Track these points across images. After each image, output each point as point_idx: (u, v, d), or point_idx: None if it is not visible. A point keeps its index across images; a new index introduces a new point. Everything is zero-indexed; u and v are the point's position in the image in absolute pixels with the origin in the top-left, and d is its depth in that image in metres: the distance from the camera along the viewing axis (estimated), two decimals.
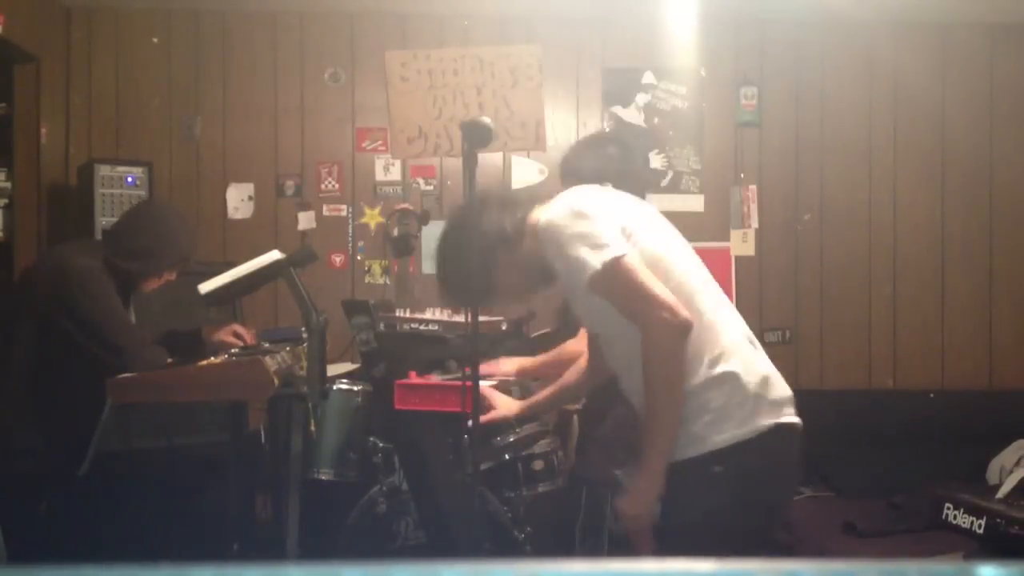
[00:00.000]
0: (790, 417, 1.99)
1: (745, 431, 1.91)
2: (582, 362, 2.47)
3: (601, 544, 3.02)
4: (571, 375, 2.50)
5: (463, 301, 2.31)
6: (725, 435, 1.91)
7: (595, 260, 1.89)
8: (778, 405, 1.98)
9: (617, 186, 2.83)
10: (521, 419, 2.99)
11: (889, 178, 5.03)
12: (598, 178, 2.84)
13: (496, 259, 2.09)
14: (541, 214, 2.05)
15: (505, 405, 2.62)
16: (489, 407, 2.60)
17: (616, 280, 1.90)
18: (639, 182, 2.96)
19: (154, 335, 3.11)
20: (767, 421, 1.93)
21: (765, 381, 1.98)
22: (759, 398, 1.95)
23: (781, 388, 2.01)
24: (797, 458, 2.03)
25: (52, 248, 3.16)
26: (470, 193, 2.03)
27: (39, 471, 2.89)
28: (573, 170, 2.90)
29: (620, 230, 1.96)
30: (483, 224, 2.07)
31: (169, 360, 2.93)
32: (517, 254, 2.10)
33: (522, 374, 2.87)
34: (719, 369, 1.94)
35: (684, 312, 1.88)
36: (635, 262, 1.91)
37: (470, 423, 2.25)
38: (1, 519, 2.91)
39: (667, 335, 1.87)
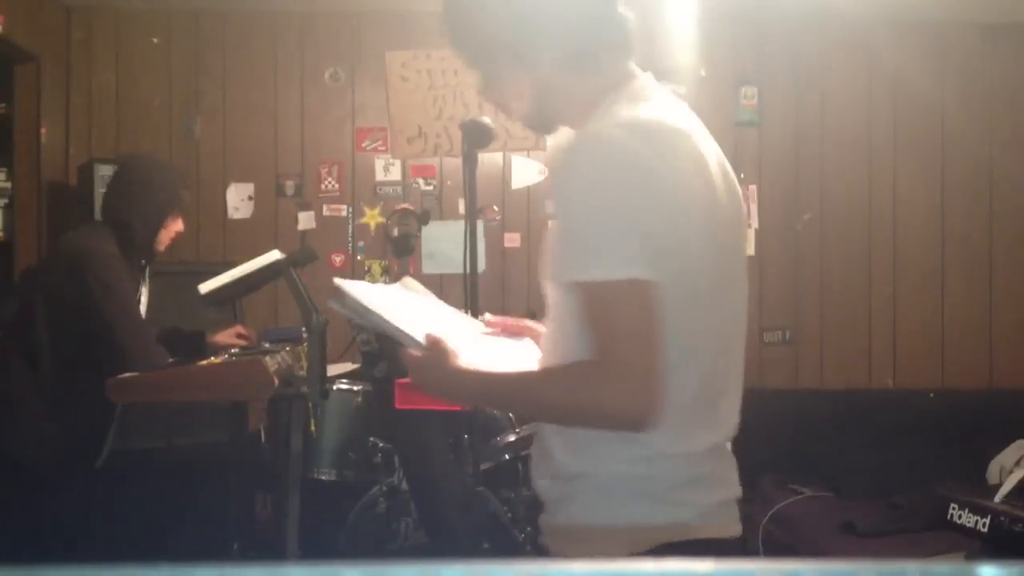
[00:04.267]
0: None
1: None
2: None
3: None
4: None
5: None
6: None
7: (600, 268, 1.28)
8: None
9: None
10: None
11: (889, 177, 5.02)
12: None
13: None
14: (604, 118, 1.43)
15: None
16: None
17: (614, 307, 1.28)
18: None
19: (156, 332, 3.11)
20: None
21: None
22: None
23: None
24: None
25: (67, 235, 3.15)
26: None
27: (53, 465, 2.90)
28: None
29: (660, 233, 1.31)
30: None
31: (170, 360, 2.93)
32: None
33: None
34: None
35: (659, 409, 1.29)
36: (656, 298, 1.28)
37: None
38: (3, 515, 2.92)
39: (628, 414, 1.30)
